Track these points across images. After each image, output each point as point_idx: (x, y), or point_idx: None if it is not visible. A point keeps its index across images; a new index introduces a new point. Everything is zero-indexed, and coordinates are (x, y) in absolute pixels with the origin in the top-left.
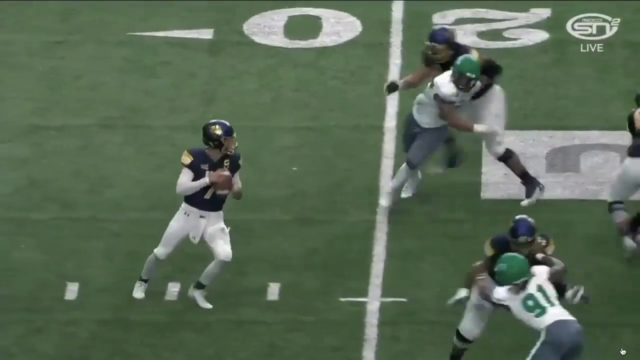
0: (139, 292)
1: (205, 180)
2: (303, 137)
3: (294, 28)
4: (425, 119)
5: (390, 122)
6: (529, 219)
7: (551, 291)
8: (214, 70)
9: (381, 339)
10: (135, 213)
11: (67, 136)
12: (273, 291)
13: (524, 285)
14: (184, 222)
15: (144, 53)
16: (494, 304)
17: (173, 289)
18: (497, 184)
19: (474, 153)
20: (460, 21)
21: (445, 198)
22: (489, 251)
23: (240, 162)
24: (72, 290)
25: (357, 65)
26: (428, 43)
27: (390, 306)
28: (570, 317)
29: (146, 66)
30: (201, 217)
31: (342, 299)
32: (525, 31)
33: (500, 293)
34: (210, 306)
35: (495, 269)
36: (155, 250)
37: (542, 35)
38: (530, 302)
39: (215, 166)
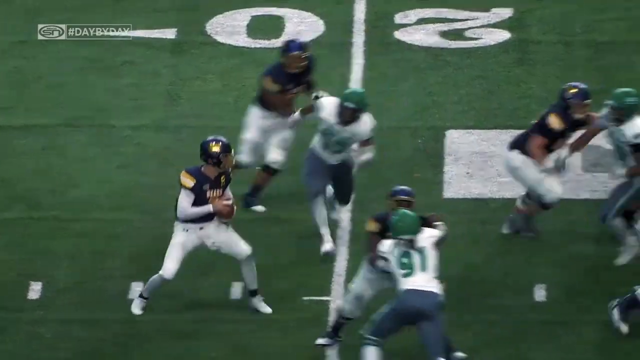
0: (137, 309)
1: (209, 208)
2: None
3: (257, 28)
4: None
5: None
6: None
7: (432, 259)
8: (178, 70)
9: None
10: (99, 213)
11: (31, 136)
12: (237, 291)
13: (409, 243)
14: (186, 238)
15: (107, 53)
16: (383, 272)
17: (136, 288)
18: (459, 183)
19: (435, 153)
20: (422, 21)
21: None
22: (372, 227)
23: (231, 175)
24: (35, 290)
25: (319, 65)
26: (290, 54)
27: None
28: (430, 289)
29: (110, 66)
30: (200, 228)
31: (306, 298)
32: (487, 31)
33: (385, 245)
34: (270, 310)
35: (390, 221)
36: (160, 272)
37: (503, 35)
38: (404, 260)
39: (214, 184)
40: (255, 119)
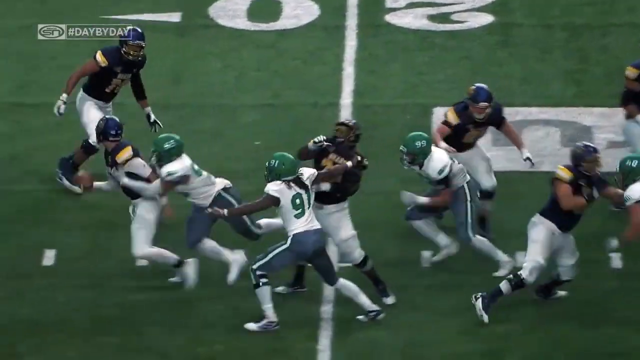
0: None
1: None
2: (265, 113)
3: (256, 12)
4: None
5: (347, 99)
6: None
7: (312, 196)
8: (182, 51)
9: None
10: None
11: (44, 114)
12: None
13: (290, 183)
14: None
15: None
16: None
17: None
18: None
19: (423, 129)
20: (411, 5)
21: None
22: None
23: (128, 168)
24: (49, 257)
25: (315, 47)
26: (130, 42)
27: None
28: (314, 227)
29: None
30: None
31: None
32: (471, 14)
33: (273, 186)
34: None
35: (268, 165)
36: None
37: (487, 19)
38: (297, 201)
39: (107, 161)
40: (88, 106)
